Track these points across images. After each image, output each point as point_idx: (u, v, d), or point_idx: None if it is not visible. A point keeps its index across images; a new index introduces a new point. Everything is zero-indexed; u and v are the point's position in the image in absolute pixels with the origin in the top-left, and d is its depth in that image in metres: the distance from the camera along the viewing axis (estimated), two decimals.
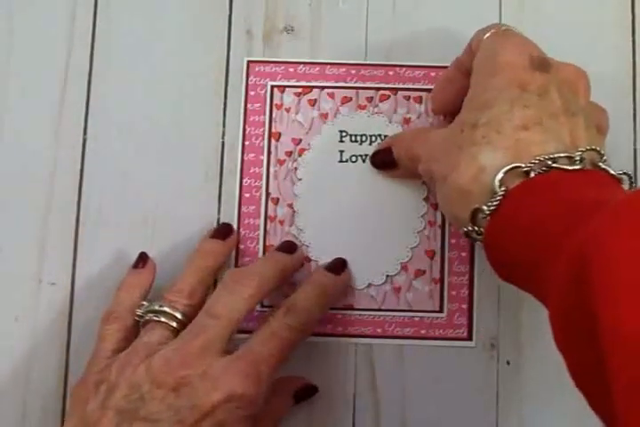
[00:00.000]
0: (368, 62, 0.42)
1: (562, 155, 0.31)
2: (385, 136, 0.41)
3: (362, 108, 0.42)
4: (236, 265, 0.40)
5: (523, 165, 0.31)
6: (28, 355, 0.40)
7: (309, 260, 0.40)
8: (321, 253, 0.40)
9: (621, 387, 0.22)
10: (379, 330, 0.40)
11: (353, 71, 0.42)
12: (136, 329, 0.37)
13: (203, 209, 0.41)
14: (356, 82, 0.42)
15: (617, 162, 0.41)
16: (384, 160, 0.39)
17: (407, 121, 0.41)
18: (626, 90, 0.42)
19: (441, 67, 0.42)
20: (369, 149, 0.41)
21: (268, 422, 0.37)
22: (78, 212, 0.41)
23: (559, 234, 0.28)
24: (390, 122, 0.41)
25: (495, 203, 0.31)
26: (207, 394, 0.32)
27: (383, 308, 0.40)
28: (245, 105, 0.42)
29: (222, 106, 0.42)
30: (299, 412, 0.39)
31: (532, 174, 0.31)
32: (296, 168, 0.41)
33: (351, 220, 0.41)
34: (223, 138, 0.41)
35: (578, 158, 0.31)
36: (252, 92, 0.42)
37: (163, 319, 0.36)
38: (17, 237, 0.41)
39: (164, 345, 0.34)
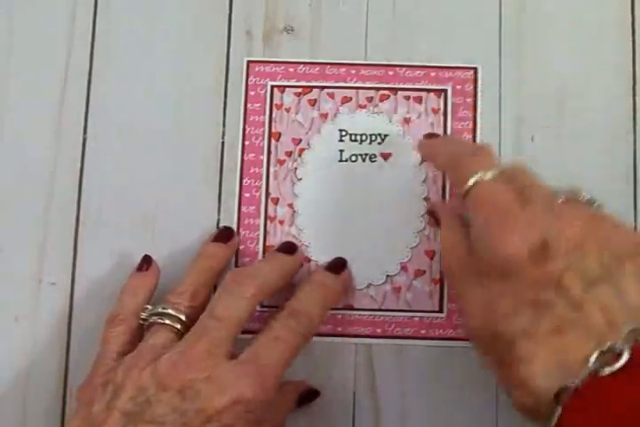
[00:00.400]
0: (368, 62, 0.42)
1: (601, 353, 0.28)
2: (385, 135, 0.41)
3: (362, 107, 0.42)
4: (236, 265, 0.40)
5: (570, 385, 0.28)
6: (28, 355, 0.40)
7: (309, 260, 0.40)
8: (321, 253, 0.40)
9: None
10: (379, 330, 0.40)
11: (353, 71, 0.42)
12: (140, 332, 0.37)
13: (203, 209, 0.41)
14: (355, 82, 0.42)
15: (617, 162, 0.41)
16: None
17: (407, 121, 0.41)
18: (626, 90, 0.42)
19: (441, 67, 0.42)
20: (369, 149, 0.41)
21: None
22: (78, 212, 0.41)
23: None
24: (390, 121, 0.41)
25: (554, 421, 0.29)
26: (213, 398, 0.32)
27: (383, 308, 0.40)
28: (245, 105, 0.42)
29: (222, 106, 0.42)
30: (299, 412, 0.39)
31: (580, 385, 0.28)
32: (296, 168, 0.41)
33: (351, 220, 0.41)
34: (223, 138, 0.41)
35: (619, 350, 0.28)
36: (251, 92, 0.42)
37: (167, 322, 0.36)
38: (17, 237, 0.41)
39: (169, 348, 0.34)
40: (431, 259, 0.40)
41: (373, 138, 0.41)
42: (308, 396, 0.39)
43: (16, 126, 0.41)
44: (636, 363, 0.28)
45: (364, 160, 0.41)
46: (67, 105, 0.42)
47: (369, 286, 0.40)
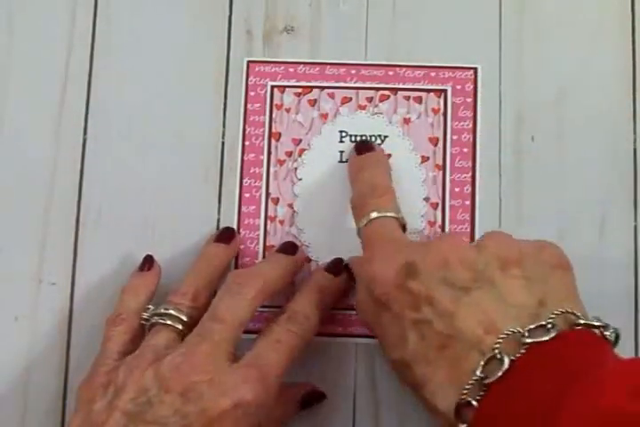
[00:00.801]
0: (368, 62, 0.42)
1: (487, 362, 0.28)
2: (385, 136, 0.41)
3: (362, 108, 0.42)
4: (237, 265, 0.40)
5: (464, 400, 0.28)
6: (28, 355, 0.40)
7: (309, 260, 0.40)
8: (321, 253, 0.40)
9: None
10: None
11: (353, 71, 0.42)
12: (142, 331, 0.37)
13: (203, 209, 0.41)
14: (355, 82, 0.42)
15: (617, 162, 0.41)
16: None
17: (407, 121, 0.41)
18: (626, 90, 0.42)
19: (441, 67, 0.42)
20: None
21: None
22: (78, 212, 0.41)
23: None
24: (390, 122, 0.41)
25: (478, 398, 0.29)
26: (215, 400, 0.32)
27: None
28: (245, 105, 0.42)
29: (222, 106, 0.42)
30: (299, 412, 0.39)
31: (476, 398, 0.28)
32: (296, 168, 0.41)
33: (351, 220, 0.41)
34: (223, 138, 0.41)
35: (499, 357, 0.28)
36: (252, 93, 0.42)
37: (168, 322, 0.36)
38: (17, 237, 0.41)
39: (171, 349, 0.34)
40: None
41: (373, 139, 0.41)
42: (313, 398, 0.39)
43: (16, 126, 0.41)
44: (520, 365, 0.28)
45: None
46: (67, 105, 0.42)
47: None
